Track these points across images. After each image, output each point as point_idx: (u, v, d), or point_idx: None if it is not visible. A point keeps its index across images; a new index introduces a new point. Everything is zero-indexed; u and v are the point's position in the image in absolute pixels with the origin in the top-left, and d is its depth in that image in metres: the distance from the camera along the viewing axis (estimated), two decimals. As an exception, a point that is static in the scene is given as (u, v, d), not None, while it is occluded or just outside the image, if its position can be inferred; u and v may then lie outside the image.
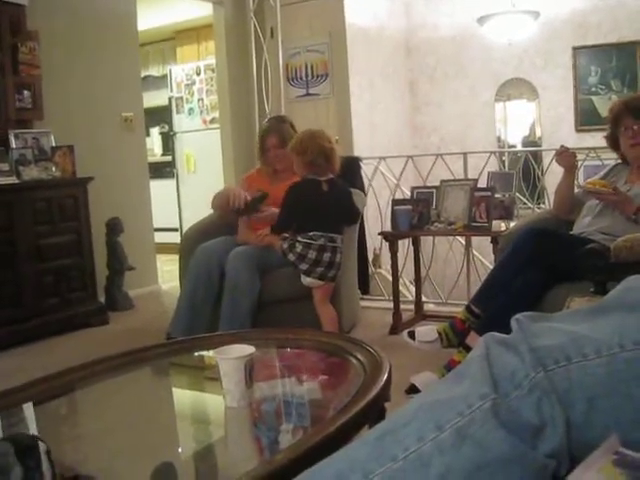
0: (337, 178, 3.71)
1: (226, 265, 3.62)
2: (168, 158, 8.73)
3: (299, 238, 3.53)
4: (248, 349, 1.83)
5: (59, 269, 4.51)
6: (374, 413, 1.68)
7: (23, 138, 4.63)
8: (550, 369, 0.72)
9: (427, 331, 3.16)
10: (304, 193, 3.62)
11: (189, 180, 8.35)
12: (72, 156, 4.70)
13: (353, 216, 3.88)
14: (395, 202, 4.35)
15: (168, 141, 8.84)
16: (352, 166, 4.76)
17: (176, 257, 4.19)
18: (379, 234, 4.44)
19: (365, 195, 4.61)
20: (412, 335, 3.18)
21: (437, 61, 7.53)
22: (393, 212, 4.23)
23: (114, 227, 5.13)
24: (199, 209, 4.76)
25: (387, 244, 4.26)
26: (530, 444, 0.69)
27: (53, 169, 4.57)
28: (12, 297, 4.24)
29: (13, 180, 4.34)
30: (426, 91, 7.66)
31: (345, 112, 6.52)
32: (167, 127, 8.89)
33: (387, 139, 7.04)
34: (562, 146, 3.49)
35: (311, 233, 3.53)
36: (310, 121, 6.44)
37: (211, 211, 4.26)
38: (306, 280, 3.57)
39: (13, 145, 4.53)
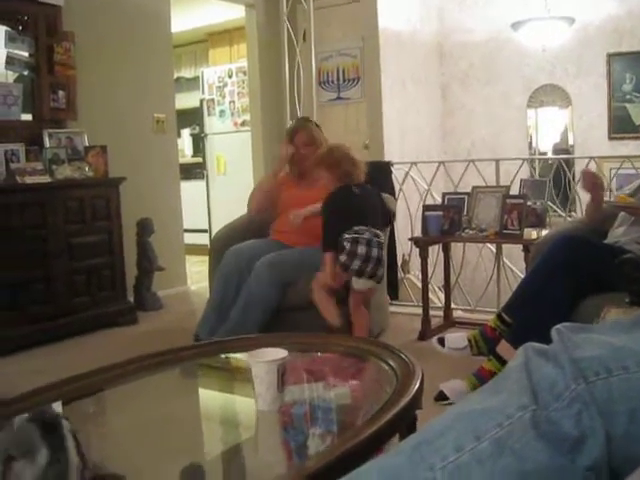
0: (365, 183, 3.69)
1: (252, 271, 3.58)
2: (199, 160, 8.78)
3: (345, 236, 3.39)
4: (281, 353, 1.82)
5: (90, 268, 4.55)
6: (406, 420, 1.67)
7: (57, 137, 4.69)
8: (591, 381, 0.71)
9: (457, 338, 3.13)
10: (339, 202, 3.55)
11: (219, 182, 8.38)
12: (105, 156, 4.74)
13: (387, 216, 3.83)
14: (426, 207, 4.33)
15: (199, 143, 8.89)
16: (383, 171, 4.76)
17: (205, 258, 4.20)
18: (409, 239, 4.42)
19: (395, 200, 4.60)
20: (442, 342, 3.15)
21: (470, 66, 7.48)
22: (424, 218, 4.20)
23: (145, 227, 5.16)
24: (229, 211, 4.78)
25: (417, 250, 4.24)
26: (569, 457, 0.68)
27: (86, 169, 4.61)
28: (43, 295, 4.28)
29: (46, 179, 4.38)
30: (458, 96, 7.60)
31: (376, 116, 6.49)
32: (198, 129, 8.94)
33: (418, 144, 7.00)
34: (585, 170, 3.48)
35: (356, 228, 3.41)
36: (340, 125, 6.45)
37: (241, 213, 4.25)
38: (358, 283, 3.41)
39: (47, 144, 4.59)
